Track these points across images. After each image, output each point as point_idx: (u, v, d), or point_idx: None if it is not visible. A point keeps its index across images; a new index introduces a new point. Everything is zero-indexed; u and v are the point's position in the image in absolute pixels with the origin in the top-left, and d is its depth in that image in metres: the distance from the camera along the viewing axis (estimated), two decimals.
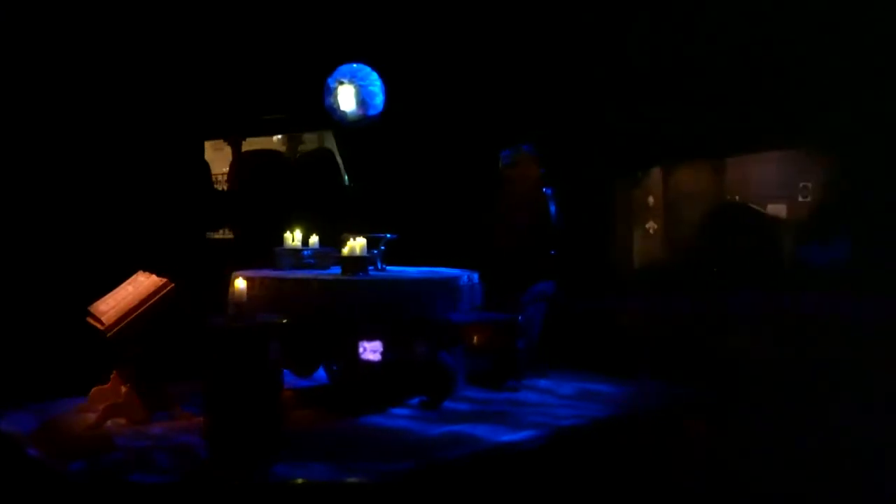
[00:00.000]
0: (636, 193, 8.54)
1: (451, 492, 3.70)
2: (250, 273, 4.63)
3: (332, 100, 6.50)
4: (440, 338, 4.72)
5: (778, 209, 8.34)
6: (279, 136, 11.34)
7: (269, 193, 6.93)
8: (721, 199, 9.86)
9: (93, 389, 4.70)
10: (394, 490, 3.59)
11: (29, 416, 4.60)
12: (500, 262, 5.47)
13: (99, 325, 4.38)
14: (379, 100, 6.43)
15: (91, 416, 4.55)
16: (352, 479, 3.55)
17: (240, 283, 3.77)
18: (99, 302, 4.58)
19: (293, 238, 5.13)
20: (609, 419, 4.55)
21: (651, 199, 9.09)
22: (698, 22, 6.84)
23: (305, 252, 5.07)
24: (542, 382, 5.35)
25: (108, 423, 4.37)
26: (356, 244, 4.62)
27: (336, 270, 5.09)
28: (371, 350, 4.67)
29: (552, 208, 5.51)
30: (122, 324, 4.30)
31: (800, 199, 9.19)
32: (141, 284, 4.46)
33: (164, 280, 4.45)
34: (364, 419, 4.50)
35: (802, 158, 9.09)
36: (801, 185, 9.28)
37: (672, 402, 4.94)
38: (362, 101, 6.36)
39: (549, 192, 5.58)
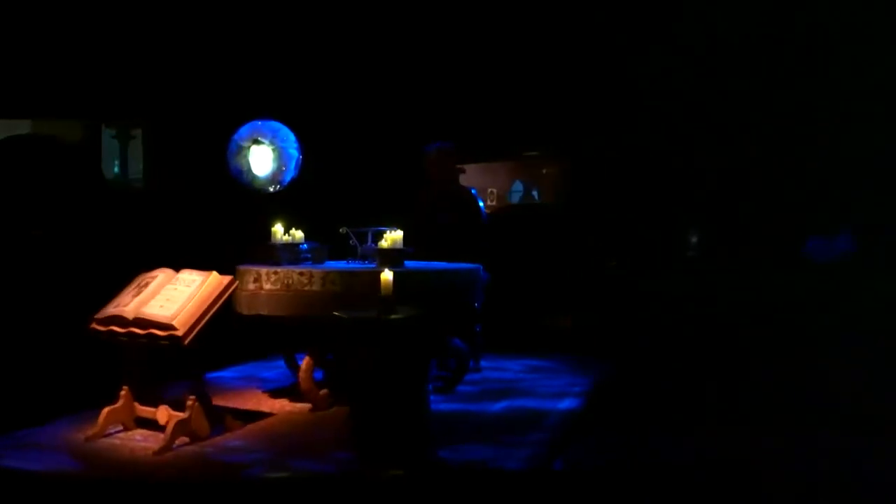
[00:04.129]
0: None
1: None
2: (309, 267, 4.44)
3: (239, 160, 5.41)
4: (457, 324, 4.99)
5: None
6: None
7: None
8: None
9: (104, 410, 3.99)
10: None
11: (17, 451, 3.76)
12: (431, 255, 5.80)
13: (160, 332, 3.77)
14: (294, 164, 5.54)
15: (118, 441, 3.94)
16: (524, 455, 3.79)
17: (387, 275, 3.71)
18: (134, 307, 3.89)
19: (279, 233, 4.87)
20: (604, 383, 5.30)
21: None
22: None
23: (302, 247, 4.87)
24: (486, 363, 5.85)
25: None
26: (395, 236, 4.64)
27: (330, 265, 4.99)
28: None
29: (481, 205, 6.00)
30: (198, 328, 3.79)
31: (488, 202, 11.00)
32: (199, 283, 3.92)
33: (231, 277, 4.01)
34: None
35: (491, 169, 11.00)
36: (489, 190, 11.14)
37: (621, 370, 5.85)
38: (282, 166, 5.42)
39: (474, 191, 6.07)
